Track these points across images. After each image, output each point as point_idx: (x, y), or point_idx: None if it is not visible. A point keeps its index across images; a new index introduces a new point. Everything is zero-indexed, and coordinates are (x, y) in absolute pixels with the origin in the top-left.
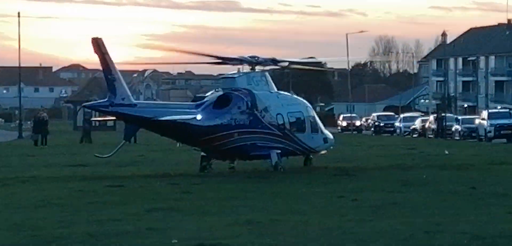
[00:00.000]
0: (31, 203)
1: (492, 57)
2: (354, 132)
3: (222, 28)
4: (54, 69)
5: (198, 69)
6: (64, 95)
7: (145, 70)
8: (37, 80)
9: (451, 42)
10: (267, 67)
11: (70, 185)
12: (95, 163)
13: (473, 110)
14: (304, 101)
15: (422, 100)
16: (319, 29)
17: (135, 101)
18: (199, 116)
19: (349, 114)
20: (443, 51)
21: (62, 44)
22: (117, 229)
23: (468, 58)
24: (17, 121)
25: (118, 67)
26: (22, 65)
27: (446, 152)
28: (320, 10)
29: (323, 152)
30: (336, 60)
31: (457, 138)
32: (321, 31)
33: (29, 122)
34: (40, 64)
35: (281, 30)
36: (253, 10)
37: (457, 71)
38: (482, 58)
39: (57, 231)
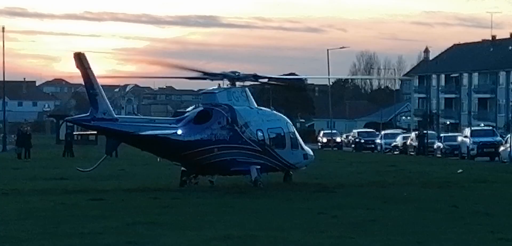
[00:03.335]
0: (13, 215)
1: (476, 74)
2: (334, 148)
3: (202, 43)
4: (37, 84)
5: (179, 85)
6: (47, 109)
7: (126, 85)
8: (20, 94)
9: (433, 59)
10: (247, 83)
11: (52, 198)
12: (77, 176)
13: (456, 127)
14: (284, 117)
15: (404, 117)
16: (299, 45)
17: (116, 116)
18: (179, 132)
19: (330, 131)
20: (426, 67)
21: (45, 59)
22: (98, 242)
23: (451, 75)
24: (1, 135)
25: (100, 81)
26: (6, 79)
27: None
28: (300, 26)
29: (303, 168)
30: (317, 78)
31: (439, 156)
32: (301, 47)
33: (13, 136)
34: (24, 79)
35: (261, 45)
36: (232, 25)
37: (440, 88)
38: (465, 75)
39: (39, 244)
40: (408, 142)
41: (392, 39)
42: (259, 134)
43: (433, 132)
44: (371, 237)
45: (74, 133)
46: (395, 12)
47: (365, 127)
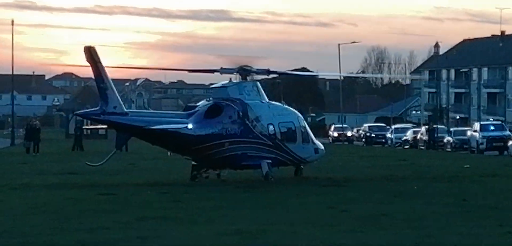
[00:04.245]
0: (22, 210)
1: (485, 69)
2: (345, 143)
3: (213, 37)
4: (47, 77)
5: (189, 79)
6: (57, 103)
7: (137, 79)
8: (30, 88)
9: (443, 54)
10: (259, 77)
11: (61, 192)
12: (87, 171)
13: (465, 122)
14: (295, 111)
15: (414, 112)
16: (309, 39)
17: (126, 110)
18: (190, 126)
19: (341, 125)
20: (436, 62)
21: (54, 53)
22: (107, 237)
23: (461, 70)
24: (10, 129)
25: (110, 75)
26: (15, 73)
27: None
28: (311, 20)
29: (314, 162)
30: (328, 74)
31: (449, 150)
32: (312, 41)
33: (21, 130)
34: (33, 72)
35: (272, 40)
36: (243, 19)
37: (450, 82)
38: (475, 69)
39: (48, 238)
40: (418, 136)
41: (403, 34)
42: (270, 128)
43: (443, 126)
44: (382, 231)
45: (84, 127)
46: (406, 7)
47: (375, 121)
